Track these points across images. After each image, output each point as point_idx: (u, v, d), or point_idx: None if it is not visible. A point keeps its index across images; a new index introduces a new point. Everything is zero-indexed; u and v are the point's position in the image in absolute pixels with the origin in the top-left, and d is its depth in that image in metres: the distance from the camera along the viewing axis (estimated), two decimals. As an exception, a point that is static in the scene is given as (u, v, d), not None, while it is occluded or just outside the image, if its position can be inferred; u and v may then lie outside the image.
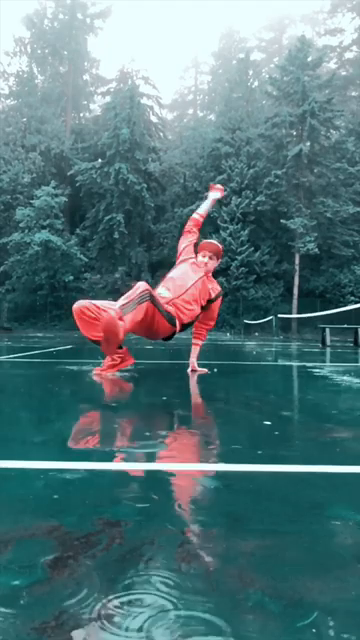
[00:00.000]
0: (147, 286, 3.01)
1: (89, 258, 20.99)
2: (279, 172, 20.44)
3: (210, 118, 32.98)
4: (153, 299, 3.01)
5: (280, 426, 1.85)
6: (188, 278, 3.44)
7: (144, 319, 2.94)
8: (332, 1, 30.76)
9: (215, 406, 2.39)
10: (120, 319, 2.75)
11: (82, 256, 20.35)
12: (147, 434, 1.67)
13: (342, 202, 20.70)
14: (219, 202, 20.80)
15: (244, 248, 20.46)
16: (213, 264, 3.57)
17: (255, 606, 0.62)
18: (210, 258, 3.56)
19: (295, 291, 20.08)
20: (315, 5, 36.26)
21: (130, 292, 2.91)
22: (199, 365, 3.85)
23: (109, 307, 2.98)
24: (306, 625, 0.58)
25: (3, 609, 0.61)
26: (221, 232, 20.38)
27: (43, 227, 19.95)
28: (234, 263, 20.59)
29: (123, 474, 1.21)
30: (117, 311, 2.78)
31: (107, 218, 20.92)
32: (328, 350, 7.78)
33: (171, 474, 1.21)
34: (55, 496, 1.04)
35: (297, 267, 19.96)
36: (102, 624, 0.58)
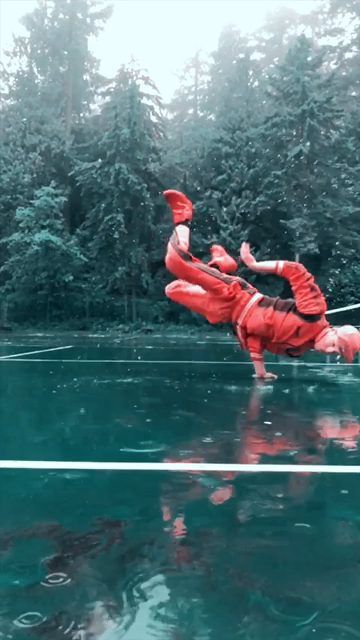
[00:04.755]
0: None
1: (89, 258, 20.94)
2: (279, 172, 20.41)
3: (210, 118, 32.89)
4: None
5: (280, 426, 1.85)
6: None
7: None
8: (332, 1, 30.74)
9: (215, 406, 2.39)
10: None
11: (82, 256, 20.31)
12: (147, 434, 1.67)
13: (342, 202, 20.69)
14: (219, 202, 20.79)
15: (244, 248, 20.43)
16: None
17: (255, 606, 0.62)
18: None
19: (295, 291, 20.03)
20: (315, 5, 36.15)
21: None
22: (196, 364, 3.84)
23: None
24: (306, 625, 0.58)
25: (3, 609, 0.61)
26: (221, 232, 20.34)
27: (43, 227, 19.92)
28: (234, 263, 20.54)
29: (123, 474, 1.21)
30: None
31: (107, 218, 20.88)
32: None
33: (171, 474, 1.21)
34: (55, 496, 1.04)
35: (297, 267, 19.94)
36: (102, 624, 0.58)
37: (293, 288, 3.21)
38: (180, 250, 3.26)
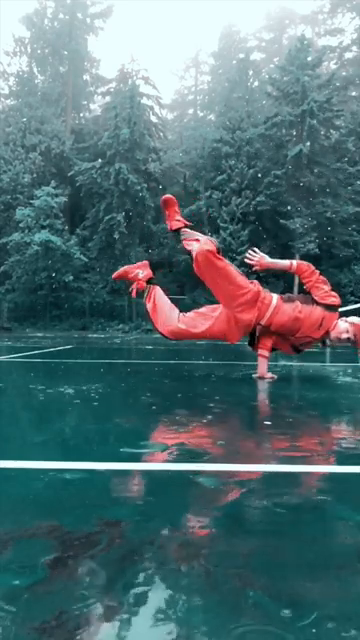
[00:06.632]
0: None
1: (89, 258, 20.95)
2: (279, 172, 20.42)
3: (210, 118, 32.89)
4: None
5: (280, 426, 1.85)
6: None
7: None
8: (332, 1, 30.72)
9: (215, 406, 2.39)
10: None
11: (82, 256, 20.32)
12: (147, 434, 1.67)
13: (342, 202, 20.68)
14: (219, 202, 20.80)
15: (244, 248, 20.44)
16: None
17: (255, 606, 0.62)
18: None
19: (295, 291, 20.09)
20: (315, 5, 36.13)
21: None
22: (196, 364, 3.84)
23: None
24: (306, 625, 0.58)
25: (3, 609, 0.61)
26: (221, 232, 20.35)
27: (43, 227, 19.92)
28: (234, 263, 20.57)
29: (123, 474, 1.21)
30: None
31: (107, 218, 20.88)
32: (328, 350, 7.78)
33: (171, 474, 1.21)
34: (55, 496, 1.04)
35: (297, 267, 19.92)
36: (102, 624, 0.58)
37: (308, 285, 3.34)
38: (214, 242, 3.30)
